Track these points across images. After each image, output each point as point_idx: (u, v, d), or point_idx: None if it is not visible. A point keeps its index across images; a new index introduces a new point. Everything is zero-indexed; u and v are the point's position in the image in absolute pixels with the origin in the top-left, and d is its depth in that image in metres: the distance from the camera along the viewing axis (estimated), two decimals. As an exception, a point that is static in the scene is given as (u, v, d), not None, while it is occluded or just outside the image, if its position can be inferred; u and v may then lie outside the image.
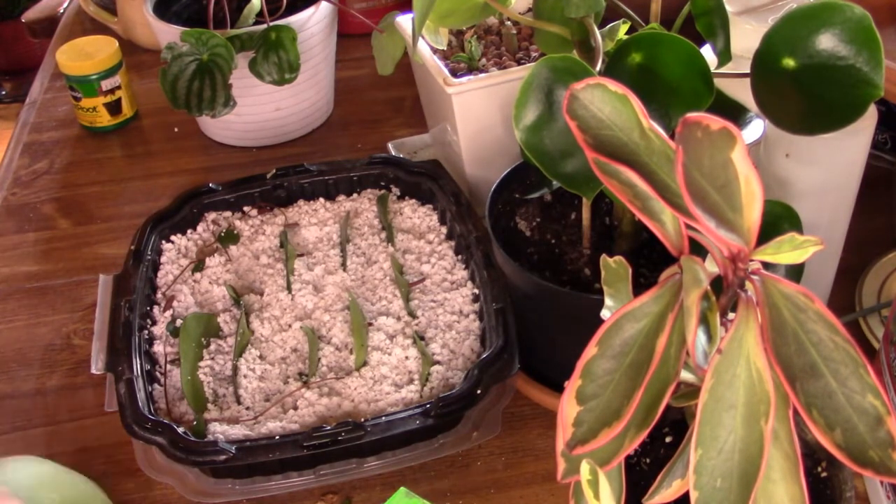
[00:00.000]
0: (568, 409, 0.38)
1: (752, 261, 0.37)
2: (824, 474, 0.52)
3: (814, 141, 0.64)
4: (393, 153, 1.00)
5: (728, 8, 0.59)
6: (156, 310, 0.76)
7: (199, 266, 0.80)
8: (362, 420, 0.64)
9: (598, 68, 0.57)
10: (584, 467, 0.40)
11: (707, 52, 0.61)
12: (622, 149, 0.39)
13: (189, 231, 0.84)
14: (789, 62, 0.52)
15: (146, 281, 0.77)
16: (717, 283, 0.38)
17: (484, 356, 0.67)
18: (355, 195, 0.87)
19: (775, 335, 0.36)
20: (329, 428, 0.63)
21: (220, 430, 0.66)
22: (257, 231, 0.84)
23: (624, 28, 0.64)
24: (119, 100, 1.09)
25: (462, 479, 0.68)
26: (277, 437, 0.63)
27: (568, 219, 0.72)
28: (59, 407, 0.76)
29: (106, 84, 1.07)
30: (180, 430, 0.63)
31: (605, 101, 0.40)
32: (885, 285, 0.79)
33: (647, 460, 0.54)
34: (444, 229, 0.82)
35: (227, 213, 0.86)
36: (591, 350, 0.39)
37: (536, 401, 0.73)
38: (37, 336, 0.84)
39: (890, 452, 0.35)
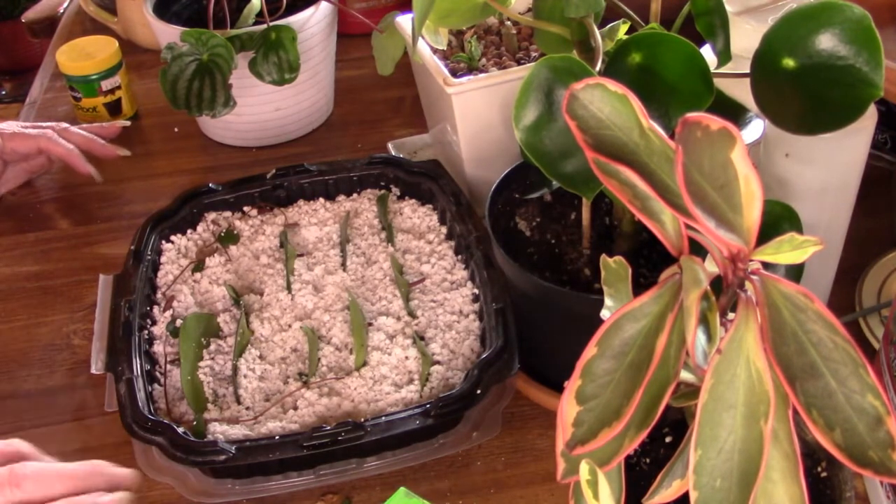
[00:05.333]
0: (568, 409, 0.38)
1: (751, 261, 0.37)
2: (824, 474, 0.52)
3: (814, 141, 0.64)
4: (393, 153, 1.00)
5: (728, 8, 0.59)
6: (156, 310, 0.76)
7: (199, 266, 0.80)
8: (362, 420, 0.64)
9: (597, 68, 0.57)
10: (584, 467, 0.40)
11: (707, 52, 0.61)
12: (622, 149, 0.39)
13: (189, 231, 0.84)
14: (789, 62, 0.52)
15: (146, 281, 0.77)
16: (717, 284, 0.38)
17: (484, 356, 0.67)
18: (355, 195, 0.87)
19: (775, 335, 0.36)
20: (329, 428, 0.63)
21: (220, 430, 0.66)
22: (257, 231, 0.84)
23: (624, 28, 0.64)
24: (119, 100, 1.09)
25: (462, 479, 0.68)
26: (277, 437, 0.63)
27: (568, 219, 0.72)
28: (59, 407, 0.76)
29: (106, 84, 1.07)
30: (180, 430, 0.63)
31: (604, 100, 0.40)
32: (885, 285, 0.79)
33: (647, 460, 0.54)
34: (444, 229, 0.82)
35: (227, 213, 0.86)
36: (590, 350, 0.39)
37: (536, 401, 0.73)
38: (37, 336, 0.84)
39: (889, 453, 0.35)
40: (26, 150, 0.96)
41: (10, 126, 0.97)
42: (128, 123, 1.07)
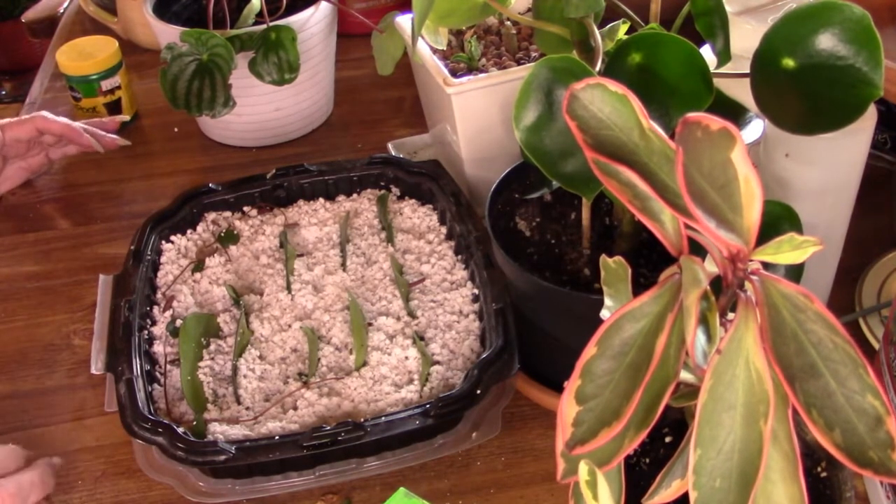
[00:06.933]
0: (567, 409, 0.38)
1: (751, 261, 0.37)
2: (824, 474, 0.52)
3: (814, 141, 0.64)
4: (393, 153, 1.00)
5: (728, 8, 0.59)
6: (156, 310, 0.76)
7: (199, 266, 0.80)
8: (362, 420, 0.64)
9: (597, 68, 0.57)
10: (583, 468, 0.40)
11: (707, 52, 0.61)
12: (622, 149, 0.39)
13: (189, 231, 0.84)
14: (789, 62, 0.52)
15: (146, 281, 0.77)
16: (717, 284, 0.38)
17: (484, 356, 0.67)
18: (355, 195, 0.87)
19: (775, 335, 0.36)
20: (329, 428, 0.63)
21: (220, 430, 0.66)
22: (257, 231, 0.84)
23: (624, 28, 0.64)
24: (119, 100, 1.09)
25: (462, 479, 0.68)
26: (277, 438, 0.63)
27: (568, 219, 0.72)
28: (59, 407, 0.76)
29: (106, 84, 1.07)
30: (180, 430, 0.63)
31: (604, 101, 0.40)
32: (885, 285, 0.79)
33: (647, 460, 0.54)
34: (444, 229, 0.82)
35: (227, 213, 0.86)
36: (590, 350, 0.39)
37: (536, 401, 0.73)
38: (37, 336, 0.84)
39: (889, 453, 0.35)
40: (26, 134, 0.95)
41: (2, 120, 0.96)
42: (127, 118, 1.08)
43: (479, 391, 0.64)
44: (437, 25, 0.71)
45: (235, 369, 0.71)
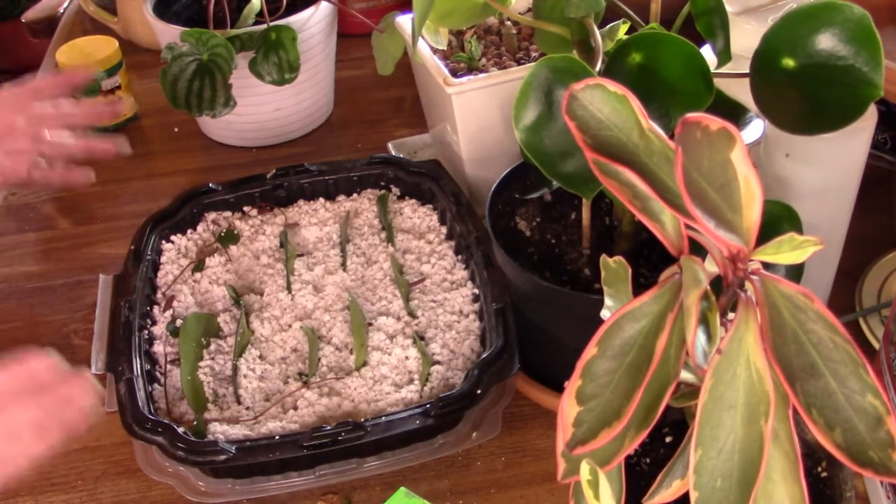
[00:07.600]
0: (568, 409, 0.38)
1: (751, 261, 0.37)
2: (824, 474, 0.52)
3: (814, 141, 0.64)
4: (393, 153, 1.00)
5: (728, 8, 0.59)
6: (156, 310, 0.76)
7: (199, 266, 0.80)
8: (362, 420, 0.64)
9: (597, 68, 0.57)
10: (584, 467, 0.40)
11: (707, 52, 0.61)
12: (622, 149, 0.39)
13: (189, 231, 0.84)
14: (789, 62, 0.52)
15: (146, 281, 0.77)
16: (717, 283, 0.38)
17: (484, 356, 0.67)
18: (355, 195, 0.87)
19: (775, 335, 0.36)
20: (329, 428, 0.63)
21: (220, 430, 0.66)
22: (257, 231, 0.84)
23: (624, 28, 0.64)
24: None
25: (462, 479, 0.68)
26: (277, 437, 0.63)
27: (568, 219, 0.72)
28: (59, 407, 0.76)
29: (106, 84, 1.07)
30: (180, 430, 0.63)
31: (604, 101, 0.40)
32: (885, 285, 0.79)
33: (647, 460, 0.54)
34: (444, 229, 0.82)
35: (227, 213, 0.86)
36: (591, 350, 0.39)
37: (536, 401, 0.73)
38: (37, 336, 0.84)
39: (889, 452, 0.35)
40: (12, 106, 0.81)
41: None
42: (129, 113, 1.02)
43: (479, 391, 0.64)
44: (437, 25, 0.71)
45: (235, 369, 0.71)
